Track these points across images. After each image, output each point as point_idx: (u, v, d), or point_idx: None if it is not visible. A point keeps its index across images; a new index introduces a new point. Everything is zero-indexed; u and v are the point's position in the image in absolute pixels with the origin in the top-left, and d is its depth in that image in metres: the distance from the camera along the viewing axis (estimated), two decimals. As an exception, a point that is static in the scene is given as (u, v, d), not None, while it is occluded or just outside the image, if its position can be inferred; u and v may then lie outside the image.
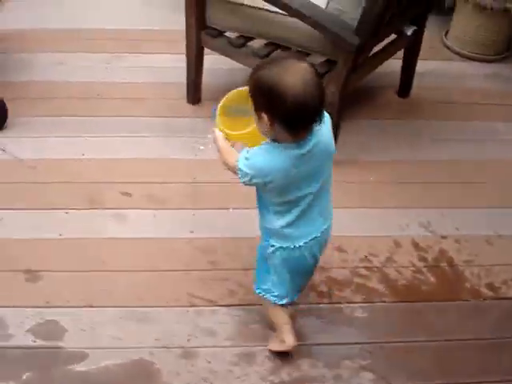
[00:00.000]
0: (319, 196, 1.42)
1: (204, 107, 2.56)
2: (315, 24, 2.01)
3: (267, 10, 2.15)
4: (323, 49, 2.14)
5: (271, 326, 1.70)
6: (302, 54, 2.20)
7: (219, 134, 1.43)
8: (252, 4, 2.18)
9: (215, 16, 2.31)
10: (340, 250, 2.01)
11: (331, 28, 1.98)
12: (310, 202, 1.40)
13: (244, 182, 1.37)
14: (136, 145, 2.37)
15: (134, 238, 2.01)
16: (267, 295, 1.57)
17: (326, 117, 1.35)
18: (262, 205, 1.46)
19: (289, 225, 1.42)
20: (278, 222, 1.43)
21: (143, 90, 2.65)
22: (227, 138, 1.44)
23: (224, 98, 1.46)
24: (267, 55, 2.21)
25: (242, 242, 1.96)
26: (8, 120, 2.40)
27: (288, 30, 2.16)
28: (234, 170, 1.39)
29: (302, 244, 1.45)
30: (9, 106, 2.40)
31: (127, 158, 2.31)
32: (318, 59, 2.23)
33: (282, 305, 1.58)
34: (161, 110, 2.54)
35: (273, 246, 1.48)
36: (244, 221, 1.94)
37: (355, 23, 1.99)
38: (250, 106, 1.33)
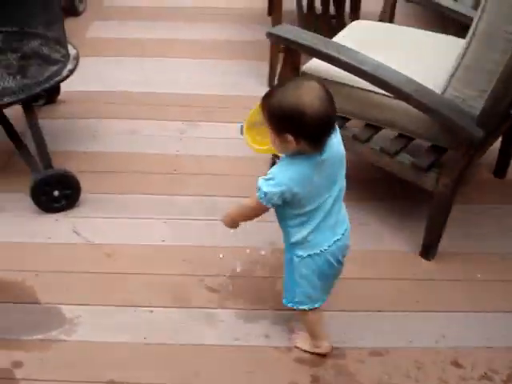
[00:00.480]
0: (337, 200, 1.49)
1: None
2: (431, 111, 1.82)
3: (372, 92, 1.97)
4: (434, 136, 1.95)
5: (309, 334, 1.73)
6: (405, 138, 2.02)
7: (227, 215, 1.62)
8: (355, 84, 2.00)
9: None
10: (456, 364, 1.78)
11: (451, 118, 1.80)
12: (329, 207, 1.47)
13: (273, 204, 1.43)
14: (222, 229, 2.18)
15: (227, 344, 1.80)
16: (302, 306, 1.62)
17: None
18: (284, 222, 1.53)
19: (312, 232, 1.49)
20: (302, 233, 1.49)
21: (224, 165, 2.48)
22: (257, 151, 1.56)
23: (248, 116, 1.56)
24: (368, 140, 2.03)
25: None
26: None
27: (394, 113, 1.98)
28: (254, 206, 1.47)
29: (325, 248, 1.51)
30: (74, 179, 2.25)
31: (213, 245, 2.12)
32: (423, 143, 2.05)
33: (315, 308, 1.63)
34: (245, 189, 2.35)
35: (299, 256, 1.53)
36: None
37: (475, 111, 1.80)
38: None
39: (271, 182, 1.40)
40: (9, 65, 2.26)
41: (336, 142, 1.44)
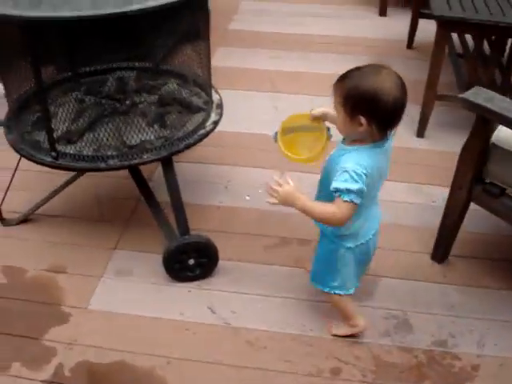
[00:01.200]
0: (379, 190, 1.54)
1: (455, 266, 2.03)
2: None
3: None
4: None
5: (344, 317, 1.75)
6: None
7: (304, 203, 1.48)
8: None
9: (500, 171, 1.77)
10: None
11: None
12: (375, 198, 1.54)
13: (361, 196, 1.41)
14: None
15: None
16: (337, 291, 1.64)
17: None
18: None
19: (364, 222, 1.52)
20: (355, 225, 1.50)
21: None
22: (290, 160, 1.56)
23: (281, 124, 1.61)
24: None
25: None
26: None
27: None
28: (339, 215, 1.42)
29: (370, 237, 1.57)
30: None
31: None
32: None
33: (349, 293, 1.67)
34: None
35: (348, 247, 1.55)
36: None
37: None
38: (307, 122, 1.58)
39: (354, 176, 1.38)
40: (145, 111, 2.01)
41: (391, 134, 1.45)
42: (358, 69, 1.41)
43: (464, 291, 1.96)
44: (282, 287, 1.96)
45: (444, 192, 2.15)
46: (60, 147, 1.82)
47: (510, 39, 2.44)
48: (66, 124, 1.92)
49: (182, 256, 1.91)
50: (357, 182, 1.38)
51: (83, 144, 1.87)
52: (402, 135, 2.68)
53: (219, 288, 1.96)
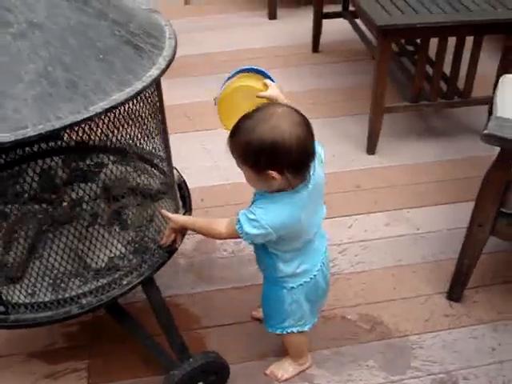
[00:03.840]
0: (321, 223, 1.44)
1: (474, 300, 1.86)
2: None
3: None
4: None
5: (295, 355, 1.65)
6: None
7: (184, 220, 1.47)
8: None
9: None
10: None
11: None
12: (314, 235, 1.42)
13: (253, 242, 1.35)
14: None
15: None
16: (290, 329, 1.54)
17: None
18: (268, 259, 1.42)
19: (301, 264, 1.42)
20: (292, 266, 1.42)
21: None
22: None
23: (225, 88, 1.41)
24: None
25: None
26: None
27: None
28: (226, 235, 1.38)
29: (315, 273, 1.46)
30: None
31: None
32: None
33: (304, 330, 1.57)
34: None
35: (292, 287, 1.45)
36: None
37: None
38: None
39: (255, 223, 1.28)
40: (96, 213, 1.57)
41: (316, 165, 1.31)
42: (247, 118, 1.24)
43: (496, 328, 1.79)
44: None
45: (422, 213, 2.20)
46: (6, 295, 1.35)
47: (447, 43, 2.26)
48: (-3, 257, 1.45)
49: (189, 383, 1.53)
50: (254, 228, 1.29)
51: (31, 282, 1.40)
52: (352, 155, 2.47)
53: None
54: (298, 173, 1.26)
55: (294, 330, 1.55)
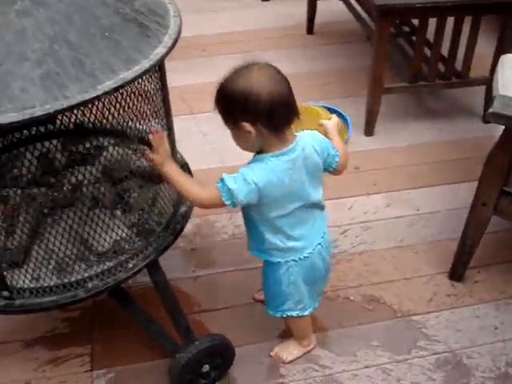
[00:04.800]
0: (313, 207, 1.42)
1: (476, 279, 1.86)
2: None
3: None
4: None
5: (299, 337, 1.65)
6: None
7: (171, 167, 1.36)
8: None
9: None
10: None
11: None
12: (305, 214, 1.40)
13: (233, 203, 1.30)
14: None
15: None
16: (290, 312, 1.54)
17: (313, 134, 1.38)
18: (255, 228, 1.41)
19: (291, 238, 1.41)
20: (279, 238, 1.40)
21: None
22: None
23: None
24: None
25: None
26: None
27: None
28: (205, 200, 1.34)
29: (307, 254, 1.44)
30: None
31: None
32: None
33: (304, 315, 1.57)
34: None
35: (286, 262, 1.44)
36: None
37: None
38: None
39: (238, 178, 1.28)
40: (97, 196, 1.55)
41: (310, 147, 1.34)
42: (228, 74, 1.28)
43: (498, 307, 1.80)
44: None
45: (421, 194, 2.20)
46: (10, 280, 1.33)
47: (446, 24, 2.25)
48: (-1, 242, 1.42)
49: (194, 367, 1.52)
50: (236, 183, 1.28)
51: (35, 266, 1.38)
52: (350, 137, 2.46)
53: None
54: (271, 127, 1.26)
55: (294, 313, 1.55)
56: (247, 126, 1.25)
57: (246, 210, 1.40)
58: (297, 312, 1.55)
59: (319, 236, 1.47)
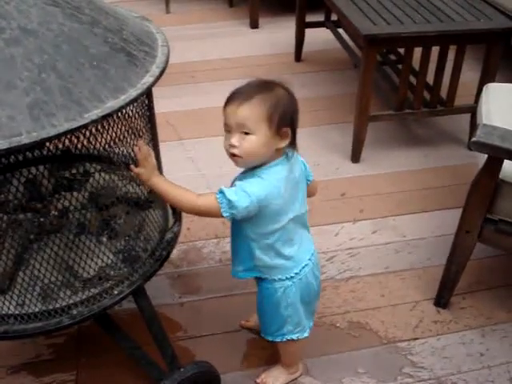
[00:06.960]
0: (303, 223, 1.44)
1: (461, 306, 1.86)
2: None
3: None
4: None
5: (290, 363, 1.64)
6: None
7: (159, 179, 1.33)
8: None
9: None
10: None
11: None
12: (294, 232, 1.41)
13: (232, 216, 1.29)
14: None
15: None
16: (290, 336, 1.53)
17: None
18: (245, 245, 1.41)
19: (280, 256, 1.41)
20: (269, 255, 1.40)
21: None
22: None
23: None
24: None
25: None
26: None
27: None
28: (204, 209, 1.32)
29: (293, 275, 1.44)
30: None
31: None
32: None
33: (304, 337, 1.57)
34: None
35: (288, 282, 1.44)
36: None
37: None
38: None
39: (239, 190, 1.29)
40: (83, 222, 1.55)
41: (296, 155, 1.38)
42: (254, 86, 1.32)
43: (484, 333, 1.81)
44: None
45: (407, 220, 2.22)
46: (-6, 307, 1.32)
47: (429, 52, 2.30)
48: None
49: (180, 394, 1.51)
50: (237, 195, 1.28)
51: (20, 292, 1.37)
52: (336, 163, 2.49)
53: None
54: (294, 133, 1.33)
55: (294, 337, 1.55)
56: (287, 130, 1.31)
57: (239, 225, 1.39)
58: (297, 335, 1.54)
59: (306, 257, 1.47)
